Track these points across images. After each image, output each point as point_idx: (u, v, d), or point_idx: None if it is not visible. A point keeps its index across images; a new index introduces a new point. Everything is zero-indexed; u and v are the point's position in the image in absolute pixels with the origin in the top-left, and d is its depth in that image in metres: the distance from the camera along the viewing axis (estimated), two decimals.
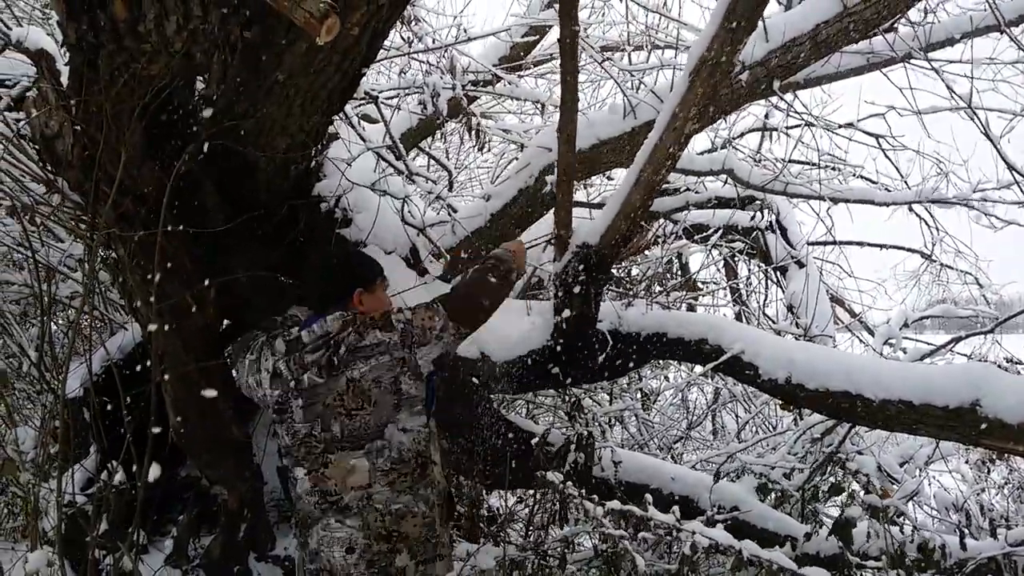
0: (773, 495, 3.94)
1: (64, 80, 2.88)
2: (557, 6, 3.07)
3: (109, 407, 3.24)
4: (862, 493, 3.59)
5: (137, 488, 3.14)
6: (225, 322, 3.14)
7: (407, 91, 4.66)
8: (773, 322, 6.06)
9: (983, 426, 2.83)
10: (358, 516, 2.30)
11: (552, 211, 4.69)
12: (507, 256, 2.70)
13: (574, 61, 2.98)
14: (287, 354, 2.43)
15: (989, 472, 5.22)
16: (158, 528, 3.62)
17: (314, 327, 2.42)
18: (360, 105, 4.37)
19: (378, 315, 2.43)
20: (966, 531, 3.87)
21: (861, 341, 6.33)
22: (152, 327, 2.82)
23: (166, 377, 3.00)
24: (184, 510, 3.72)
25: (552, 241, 3.36)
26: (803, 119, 5.29)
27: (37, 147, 3.14)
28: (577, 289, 3.19)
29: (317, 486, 2.39)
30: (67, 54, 2.79)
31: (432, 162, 5.53)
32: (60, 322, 4.50)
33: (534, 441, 3.51)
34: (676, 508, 2.64)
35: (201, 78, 3.00)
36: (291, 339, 2.45)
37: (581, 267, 3.14)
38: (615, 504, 2.60)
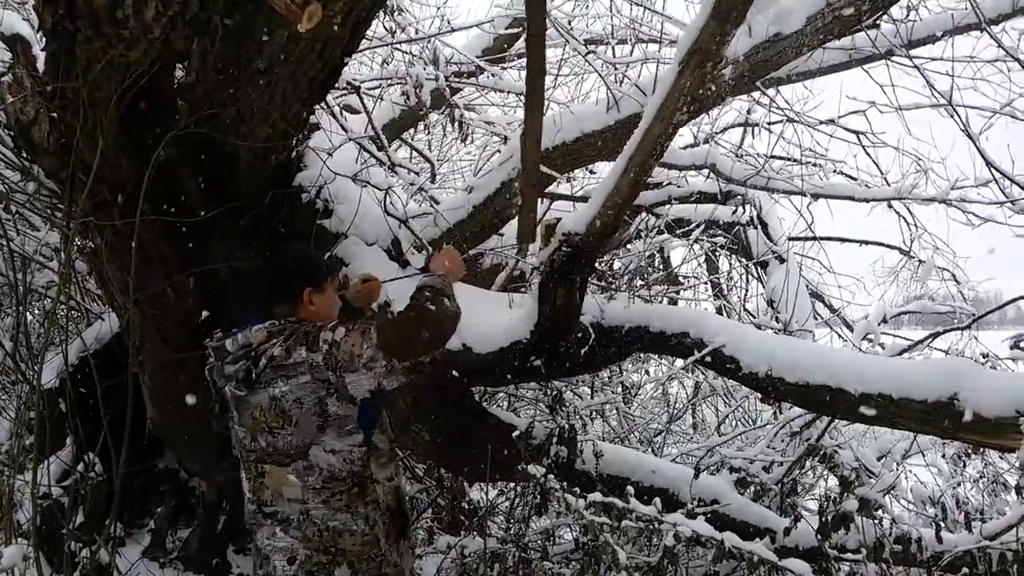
0: (752, 488, 3.96)
1: (41, 66, 2.84)
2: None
3: (86, 398, 3.21)
4: (837, 487, 3.61)
5: (114, 480, 3.12)
6: (204, 312, 3.12)
7: (390, 82, 4.64)
8: (753, 317, 6.08)
9: (961, 420, 2.85)
10: (298, 528, 2.22)
11: (539, 202, 4.71)
12: (433, 280, 2.32)
13: (541, 58, 2.94)
14: (213, 360, 2.33)
15: (965, 466, 5.27)
16: (136, 520, 3.60)
17: (238, 336, 2.28)
18: (342, 95, 4.33)
19: (307, 331, 2.24)
20: (942, 524, 3.91)
21: (840, 336, 6.37)
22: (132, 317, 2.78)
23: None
24: (162, 502, 3.70)
25: (517, 253, 3.29)
26: (785, 115, 5.31)
27: (12, 133, 3.10)
28: (561, 279, 3.18)
29: (255, 495, 2.30)
30: (44, 39, 2.74)
31: (415, 154, 5.51)
32: (36, 312, 4.44)
33: (515, 434, 3.50)
34: (657, 500, 2.64)
35: (180, 65, 2.96)
36: (216, 345, 2.33)
37: (566, 257, 3.13)
38: (596, 496, 2.60)
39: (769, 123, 5.51)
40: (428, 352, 2.17)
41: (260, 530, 2.30)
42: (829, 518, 3.21)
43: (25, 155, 3.16)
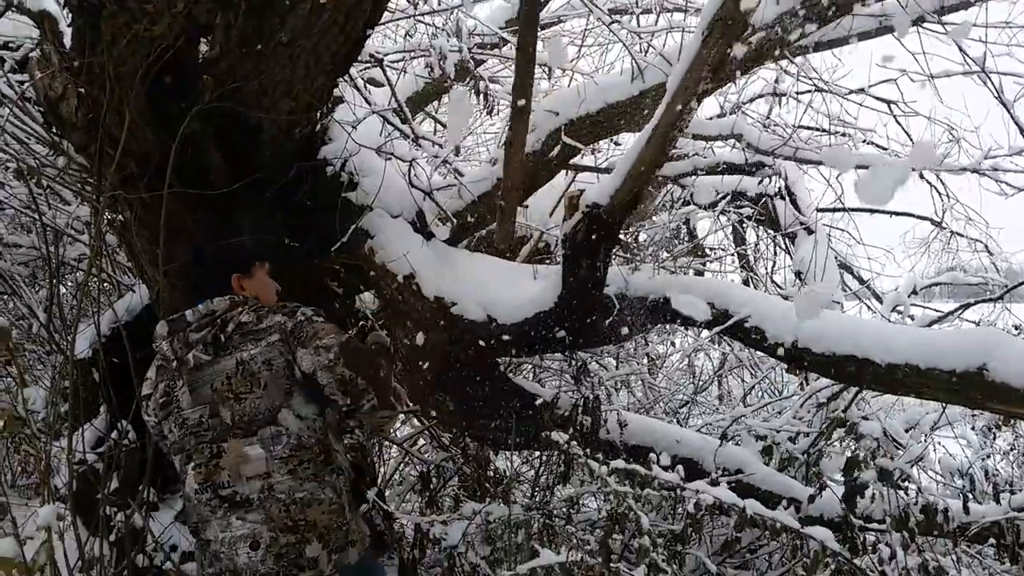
0: (778, 458, 3.96)
1: (67, 41, 2.88)
2: None
3: (119, 368, 3.28)
4: (868, 457, 3.59)
5: (147, 447, 3.19)
6: None
7: (413, 54, 4.63)
8: (781, 288, 6.05)
9: (989, 390, 2.82)
10: (260, 509, 2.15)
11: (564, 174, 4.70)
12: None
13: (531, 44, 2.88)
14: (170, 335, 2.31)
15: (995, 438, 5.23)
16: (168, 486, 3.67)
17: (199, 307, 2.30)
18: (366, 68, 4.33)
19: (278, 304, 2.33)
20: (970, 496, 3.88)
21: (869, 308, 6.31)
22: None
23: None
24: None
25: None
26: (813, 84, 5.23)
27: (42, 109, 3.15)
28: (585, 250, 3.18)
29: (209, 480, 2.22)
30: (70, 15, 2.77)
31: (439, 127, 5.50)
32: (69, 284, 4.53)
33: (538, 402, 3.52)
34: (680, 468, 2.64)
35: (204, 39, 2.98)
36: (174, 319, 2.34)
37: (589, 228, 3.13)
38: (619, 463, 2.61)
39: (798, 92, 5.43)
40: (367, 381, 2.21)
41: (209, 525, 2.23)
42: (851, 487, 3.20)
43: (55, 130, 3.21)
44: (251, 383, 2.20)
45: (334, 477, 2.25)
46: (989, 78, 4.03)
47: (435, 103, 5.71)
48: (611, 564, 2.50)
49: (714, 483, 3.13)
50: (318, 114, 3.41)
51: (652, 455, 2.93)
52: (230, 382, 2.21)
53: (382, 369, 2.27)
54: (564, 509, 3.58)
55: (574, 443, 2.93)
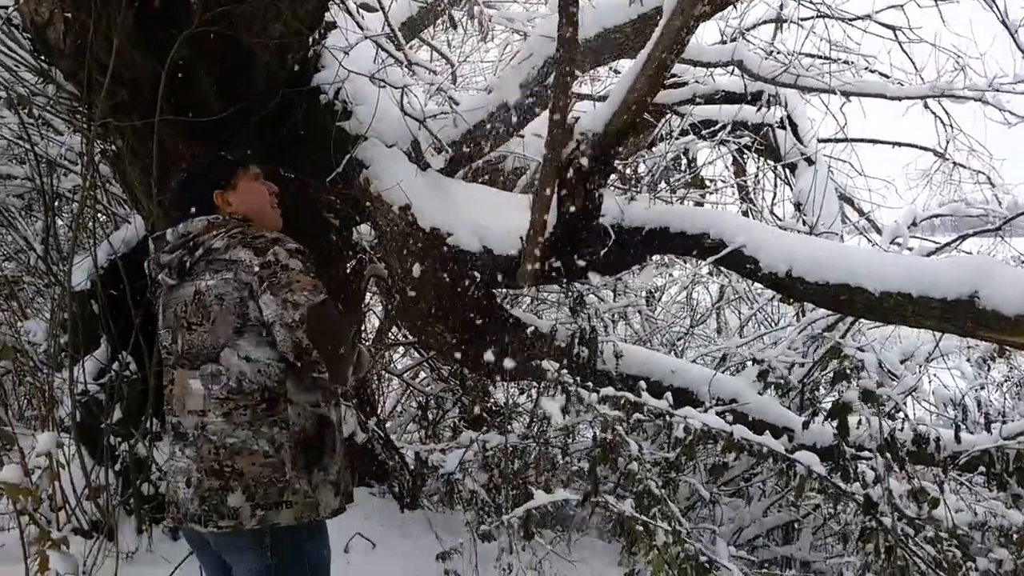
0: (773, 388, 3.99)
1: None
2: None
3: (117, 300, 3.30)
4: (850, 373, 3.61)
5: (148, 378, 3.23)
6: None
7: None
8: (780, 220, 6.02)
9: (980, 318, 2.83)
10: (193, 446, 2.08)
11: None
12: (363, 360, 2.32)
13: None
14: (155, 252, 2.23)
15: (989, 370, 5.27)
16: None
17: (179, 226, 2.20)
18: None
19: (261, 237, 2.12)
20: (962, 425, 3.93)
21: (869, 240, 6.29)
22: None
23: None
24: None
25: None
26: (817, 9, 5.10)
27: (29, 36, 3.10)
28: (580, 179, 3.16)
29: (167, 404, 2.20)
30: None
31: (434, 54, 5.40)
32: (65, 216, 4.51)
33: (533, 333, 3.54)
34: (669, 394, 2.67)
35: None
36: (157, 236, 2.26)
37: (584, 156, 3.10)
38: (609, 390, 2.64)
39: (801, 18, 5.30)
40: (323, 355, 2.05)
41: (165, 447, 2.21)
42: (835, 406, 3.24)
43: (43, 57, 3.17)
44: (202, 315, 2.10)
45: (274, 430, 2.08)
46: (995, 1, 3.94)
47: (430, 29, 5.59)
48: (600, 490, 2.54)
49: (707, 411, 3.17)
50: (310, 40, 3.36)
51: (641, 383, 2.96)
52: (186, 310, 2.13)
53: (344, 346, 2.11)
54: (560, 438, 3.63)
55: (564, 371, 2.93)
